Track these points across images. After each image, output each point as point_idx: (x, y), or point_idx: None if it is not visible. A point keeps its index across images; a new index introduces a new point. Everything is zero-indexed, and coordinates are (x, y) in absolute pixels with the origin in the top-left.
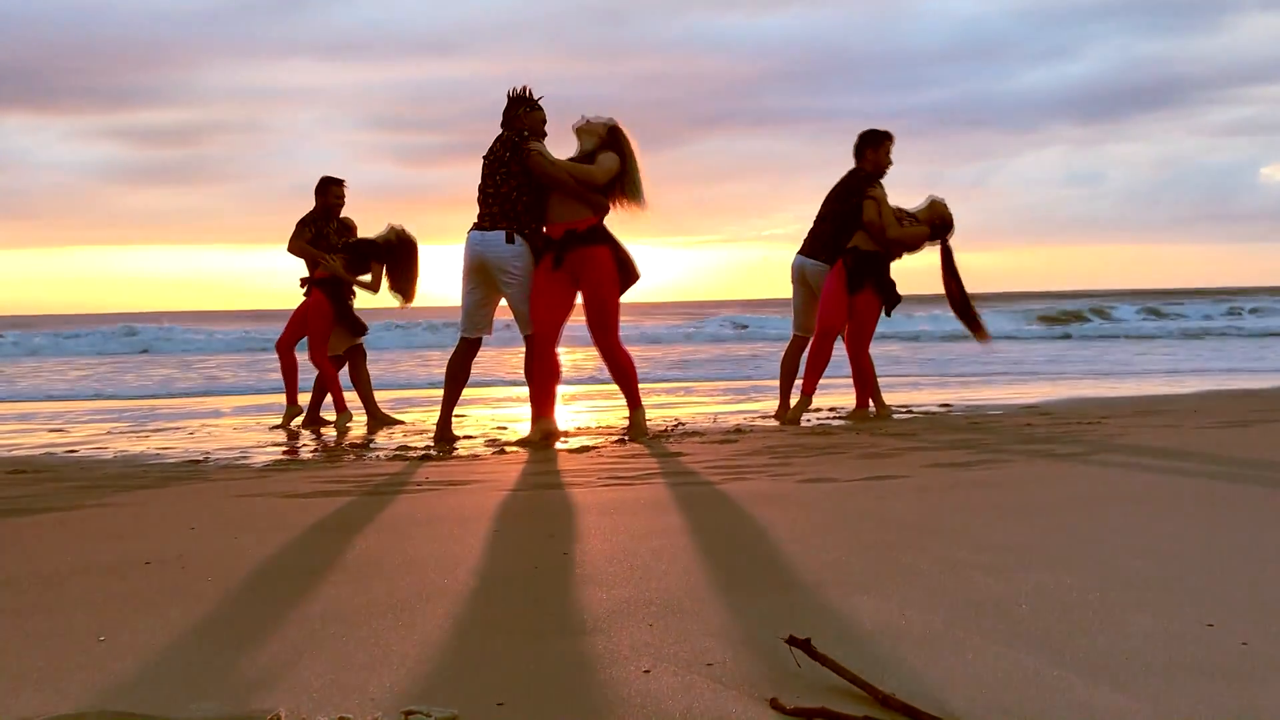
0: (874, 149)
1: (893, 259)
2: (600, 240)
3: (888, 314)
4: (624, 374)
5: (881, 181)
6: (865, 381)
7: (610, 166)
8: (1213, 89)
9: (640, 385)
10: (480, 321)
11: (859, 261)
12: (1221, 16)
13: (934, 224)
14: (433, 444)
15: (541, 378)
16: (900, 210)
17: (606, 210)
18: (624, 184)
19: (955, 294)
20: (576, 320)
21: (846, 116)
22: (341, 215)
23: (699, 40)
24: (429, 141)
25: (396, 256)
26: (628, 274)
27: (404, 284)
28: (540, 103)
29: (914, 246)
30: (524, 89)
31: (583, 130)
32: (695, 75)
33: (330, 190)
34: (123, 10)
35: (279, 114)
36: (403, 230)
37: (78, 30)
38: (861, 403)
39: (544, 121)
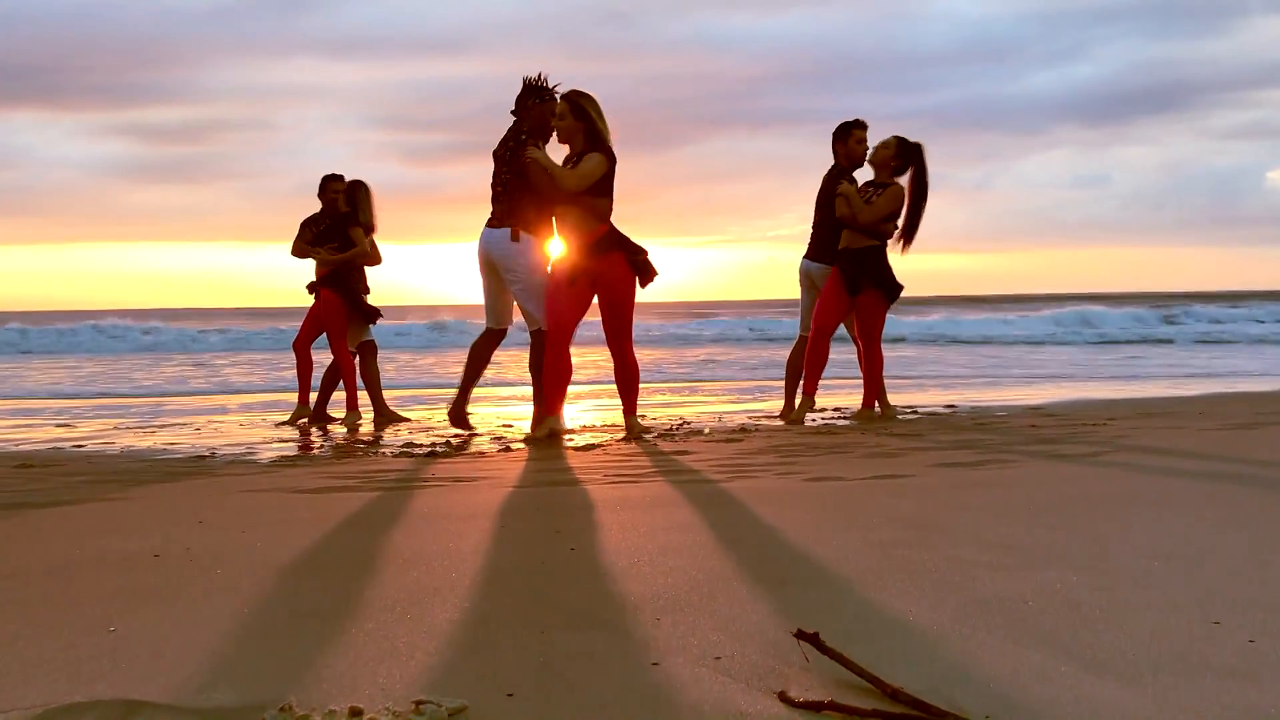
0: (842, 143)
1: (888, 236)
2: (613, 247)
3: (890, 302)
4: (630, 380)
5: (853, 174)
6: (875, 381)
7: (587, 171)
8: (1219, 92)
9: (645, 385)
10: (501, 314)
11: (852, 262)
12: (1228, 20)
13: (894, 166)
14: (448, 420)
15: (553, 377)
16: (865, 188)
17: (609, 213)
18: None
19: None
20: (586, 318)
21: (852, 118)
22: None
23: (705, 41)
24: (435, 140)
25: (358, 202)
26: (645, 275)
27: (365, 217)
28: (556, 91)
29: (898, 206)
30: (539, 78)
31: (560, 129)
32: (701, 75)
33: (329, 187)
34: (130, 8)
35: (285, 112)
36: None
37: (85, 28)
38: (868, 402)
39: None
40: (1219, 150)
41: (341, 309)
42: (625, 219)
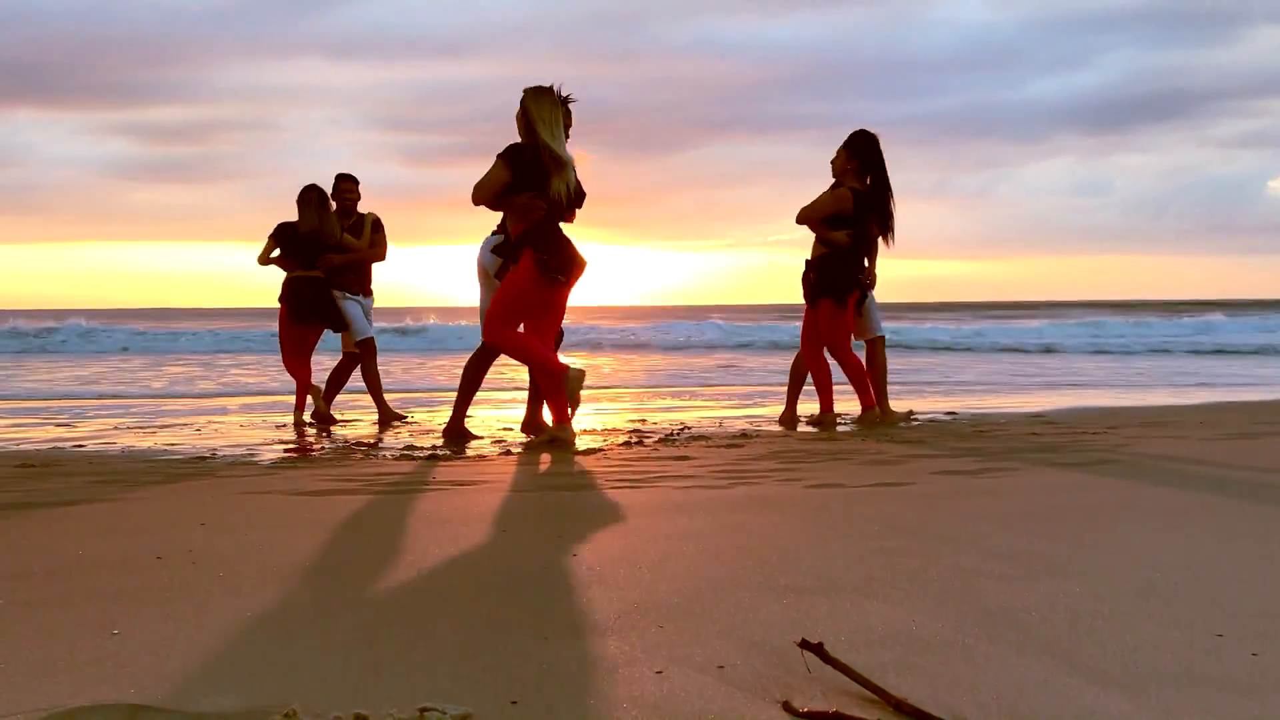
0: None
1: (842, 244)
2: (523, 243)
3: (842, 306)
4: (526, 359)
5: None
6: (863, 385)
7: (484, 181)
8: (1220, 101)
9: (644, 388)
10: None
11: (814, 272)
12: (1231, 29)
13: (852, 169)
14: (443, 440)
15: (547, 385)
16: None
17: (531, 212)
18: (537, 174)
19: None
20: (579, 323)
21: (854, 123)
22: (364, 212)
23: (708, 45)
24: (436, 142)
25: (302, 209)
26: (545, 274)
27: (305, 225)
28: (569, 102)
29: (841, 208)
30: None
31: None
32: (703, 80)
33: (340, 187)
34: (133, 7)
35: (287, 112)
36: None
37: (88, 27)
38: (866, 406)
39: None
40: (1220, 159)
41: (284, 318)
42: (626, 222)
